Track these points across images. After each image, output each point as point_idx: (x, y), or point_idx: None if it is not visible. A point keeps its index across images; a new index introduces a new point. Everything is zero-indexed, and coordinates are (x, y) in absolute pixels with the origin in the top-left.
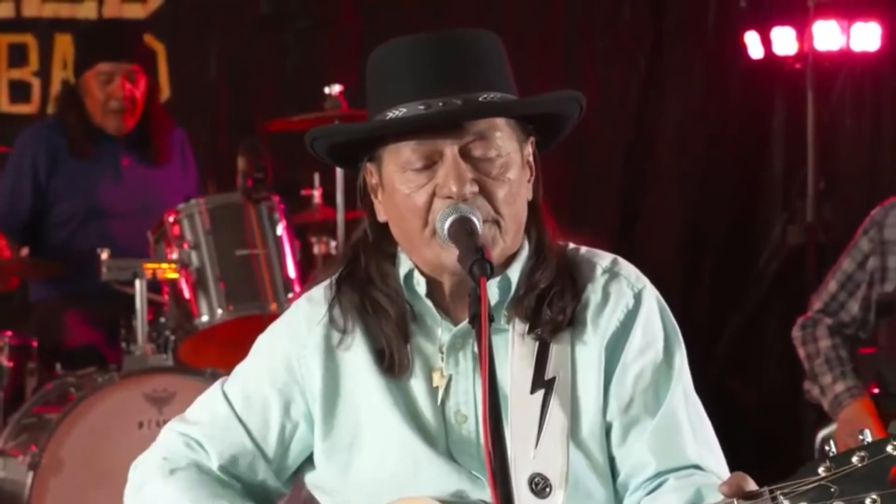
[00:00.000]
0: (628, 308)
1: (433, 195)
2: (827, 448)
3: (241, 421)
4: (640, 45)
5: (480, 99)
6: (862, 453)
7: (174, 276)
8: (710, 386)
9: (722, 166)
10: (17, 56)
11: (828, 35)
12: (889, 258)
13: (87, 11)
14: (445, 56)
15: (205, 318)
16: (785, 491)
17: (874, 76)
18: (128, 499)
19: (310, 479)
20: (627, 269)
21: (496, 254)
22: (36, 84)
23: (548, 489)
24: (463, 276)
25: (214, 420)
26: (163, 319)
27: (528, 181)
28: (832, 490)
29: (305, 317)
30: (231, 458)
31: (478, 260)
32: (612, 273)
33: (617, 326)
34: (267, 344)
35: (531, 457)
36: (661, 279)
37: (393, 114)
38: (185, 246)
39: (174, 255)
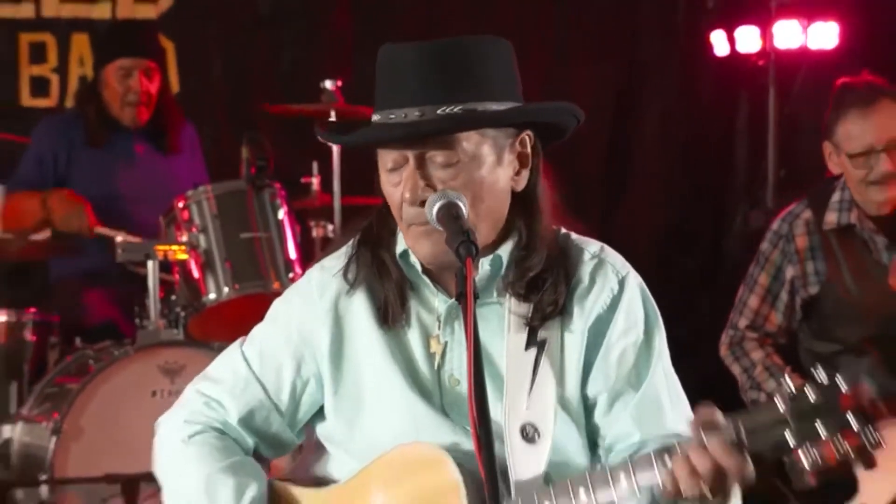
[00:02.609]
0: (613, 293)
1: None
2: (784, 383)
3: (258, 379)
4: (615, 45)
5: (439, 112)
6: (815, 388)
7: (184, 257)
8: (681, 359)
9: (691, 157)
10: (37, 53)
11: (789, 34)
12: (806, 264)
13: (102, 12)
14: (424, 66)
15: (212, 296)
16: (746, 422)
17: (832, 72)
18: (155, 454)
19: (320, 430)
20: (613, 256)
21: None
22: (55, 80)
23: (537, 436)
24: (440, 262)
25: (235, 378)
26: (174, 297)
27: (517, 173)
28: (789, 421)
29: (318, 285)
30: (249, 412)
31: (464, 241)
32: (600, 259)
33: (602, 310)
34: (282, 309)
35: (524, 408)
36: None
37: (375, 117)
38: (194, 229)
39: (184, 238)
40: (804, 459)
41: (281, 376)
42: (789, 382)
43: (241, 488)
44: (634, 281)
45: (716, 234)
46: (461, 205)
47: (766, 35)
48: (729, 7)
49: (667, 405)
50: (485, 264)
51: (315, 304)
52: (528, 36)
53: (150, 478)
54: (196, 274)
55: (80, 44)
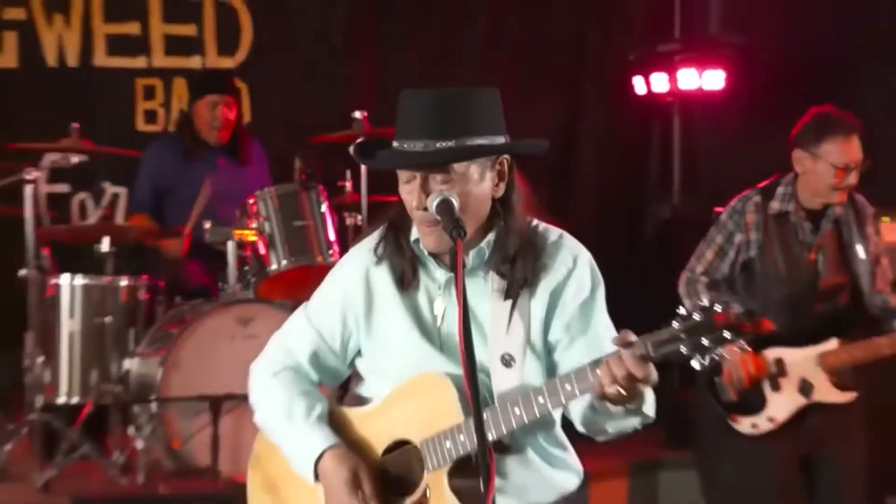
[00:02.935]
0: (568, 268)
1: None
2: (683, 312)
3: (317, 331)
4: (562, 86)
5: (437, 145)
6: (699, 311)
7: (254, 238)
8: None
9: (618, 168)
10: (149, 93)
11: (688, 79)
12: (750, 234)
13: (195, 63)
14: (429, 109)
15: (274, 267)
16: (651, 340)
17: (720, 107)
18: (250, 388)
19: (359, 363)
20: (570, 241)
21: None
22: (161, 112)
23: (513, 362)
24: (440, 251)
25: (302, 332)
26: (246, 268)
27: (496, 185)
28: (682, 336)
29: (355, 260)
30: (312, 353)
31: (455, 227)
32: (559, 244)
33: (559, 280)
34: (331, 279)
35: (503, 342)
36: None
37: (395, 143)
38: (261, 219)
39: (254, 225)
40: (697, 363)
41: (333, 328)
42: (682, 308)
43: (312, 406)
44: (585, 258)
45: (635, 223)
46: (453, 201)
47: (672, 79)
48: (645, 58)
49: (608, 343)
50: (472, 255)
51: (353, 275)
52: (502, 83)
53: (229, 397)
54: (262, 251)
55: (180, 85)
